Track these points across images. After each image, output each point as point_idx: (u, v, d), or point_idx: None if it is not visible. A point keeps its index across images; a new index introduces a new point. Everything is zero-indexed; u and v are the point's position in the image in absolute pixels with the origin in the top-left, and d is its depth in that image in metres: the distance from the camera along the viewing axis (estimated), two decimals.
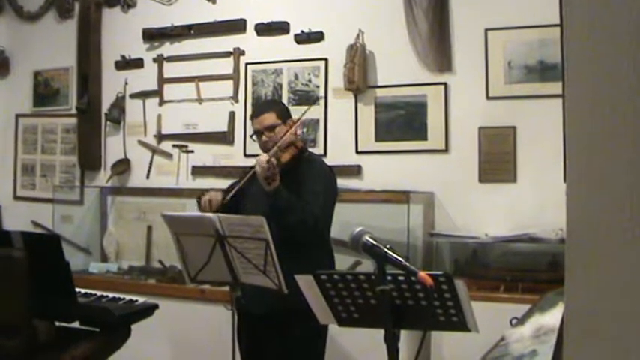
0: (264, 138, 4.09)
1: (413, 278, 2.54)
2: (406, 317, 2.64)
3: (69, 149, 6.78)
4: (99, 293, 3.93)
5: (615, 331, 1.24)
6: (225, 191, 4.06)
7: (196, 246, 3.71)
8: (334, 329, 3.85)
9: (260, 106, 4.43)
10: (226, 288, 4.06)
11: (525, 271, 4.77)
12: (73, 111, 6.67)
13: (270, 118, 4.10)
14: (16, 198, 7.11)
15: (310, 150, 4.37)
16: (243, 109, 5.97)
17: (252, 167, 3.89)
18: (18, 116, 7.12)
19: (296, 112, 4.40)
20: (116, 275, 5.98)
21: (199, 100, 6.15)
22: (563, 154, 3.84)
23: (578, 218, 1.29)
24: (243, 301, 3.85)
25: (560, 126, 3.70)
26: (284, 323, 3.87)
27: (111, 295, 3.92)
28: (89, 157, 6.57)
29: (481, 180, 5.15)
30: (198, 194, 4.16)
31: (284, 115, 4.18)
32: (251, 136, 4.24)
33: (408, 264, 2.53)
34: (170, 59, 6.31)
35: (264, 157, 3.80)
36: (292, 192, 3.84)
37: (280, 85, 5.81)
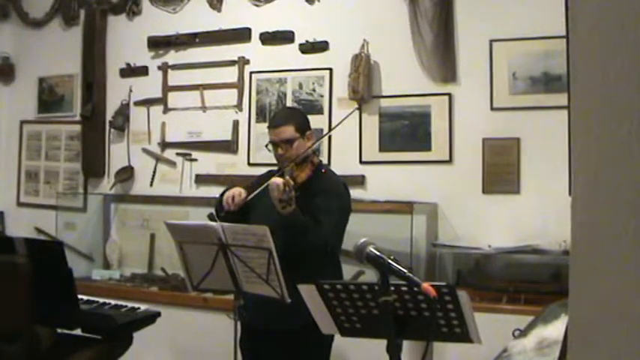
0: (279, 151, 3.96)
1: (416, 289, 2.54)
2: (409, 328, 2.64)
3: (73, 156, 6.79)
4: (101, 300, 3.94)
5: (619, 343, 1.24)
6: (248, 189, 3.95)
7: (199, 254, 3.70)
8: (336, 339, 3.84)
9: (279, 117, 4.18)
10: (229, 296, 4.05)
11: (528, 282, 4.76)
12: (78, 118, 6.68)
13: (288, 131, 3.95)
14: (20, 204, 7.12)
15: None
16: (247, 117, 5.97)
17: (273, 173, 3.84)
18: (22, 122, 7.13)
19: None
20: (119, 282, 5.98)
21: (203, 108, 6.16)
22: (567, 166, 3.84)
23: (582, 230, 1.29)
24: (244, 314, 3.84)
25: (564, 137, 3.71)
26: (288, 338, 3.85)
27: (113, 302, 3.92)
28: (93, 164, 6.57)
29: (485, 191, 5.14)
30: (225, 189, 4.08)
31: (303, 127, 4.02)
32: (266, 146, 4.10)
33: (411, 275, 2.52)
34: (175, 67, 6.31)
35: (279, 180, 3.60)
36: (305, 207, 3.73)
37: (284, 95, 5.82)
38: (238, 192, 3.89)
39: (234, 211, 3.85)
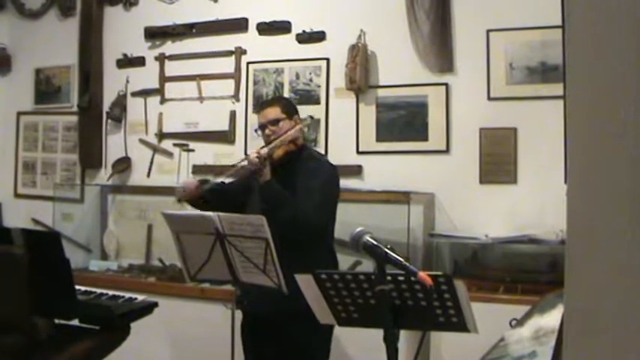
0: (267, 131, 4.06)
1: (413, 278, 2.54)
2: (405, 317, 2.64)
3: (70, 147, 6.78)
4: (99, 291, 3.94)
5: (614, 332, 1.24)
6: (203, 181, 4.19)
7: (196, 244, 3.71)
8: (334, 329, 3.85)
9: (265, 101, 4.44)
10: (226, 287, 4.07)
11: (525, 272, 4.76)
12: (75, 109, 6.67)
13: (274, 111, 4.08)
14: (17, 195, 7.11)
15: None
16: (244, 108, 5.97)
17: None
18: (19, 114, 7.12)
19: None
20: (116, 273, 5.98)
21: (200, 98, 6.15)
22: (564, 156, 3.85)
23: (578, 220, 1.29)
24: (245, 302, 3.85)
25: (561, 127, 3.71)
26: (287, 324, 3.86)
27: (111, 293, 3.92)
28: (90, 155, 6.57)
29: (482, 181, 5.15)
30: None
31: (289, 109, 4.15)
32: (255, 130, 4.21)
33: (407, 264, 2.53)
34: (172, 58, 6.31)
35: (254, 151, 3.86)
36: (288, 188, 3.83)
37: (282, 85, 5.81)
38: (189, 182, 4.24)
39: (187, 201, 4.13)
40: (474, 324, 2.65)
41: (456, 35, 5.27)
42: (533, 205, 4.91)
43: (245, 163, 3.87)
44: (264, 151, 3.85)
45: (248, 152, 3.95)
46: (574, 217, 1.29)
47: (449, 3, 5.27)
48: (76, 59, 6.65)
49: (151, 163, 6.32)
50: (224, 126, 6.04)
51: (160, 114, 6.33)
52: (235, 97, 6.02)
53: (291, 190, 3.84)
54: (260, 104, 4.41)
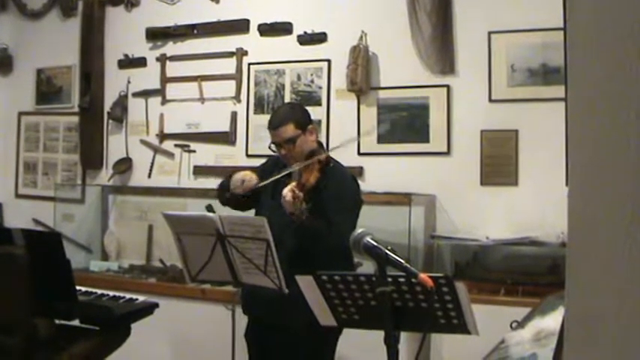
0: (283, 151, 3.90)
1: (413, 280, 2.54)
2: (406, 319, 2.64)
3: (71, 147, 6.79)
4: (99, 292, 3.94)
5: (616, 335, 1.24)
6: (259, 176, 3.90)
7: (197, 245, 3.70)
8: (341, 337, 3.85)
9: (278, 116, 4.01)
10: (227, 288, 4.06)
11: (526, 274, 4.76)
12: (76, 109, 6.68)
13: (289, 130, 3.87)
14: (18, 196, 7.12)
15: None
16: (245, 109, 5.97)
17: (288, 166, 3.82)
18: (20, 114, 7.12)
19: None
20: (117, 274, 5.99)
21: (202, 99, 6.15)
22: (565, 158, 3.83)
23: (579, 222, 1.29)
24: (255, 309, 3.84)
25: (562, 129, 3.70)
26: (293, 333, 3.82)
27: (111, 293, 3.92)
28: (91, 155, 6.57)
29: (483, 183, 5.15)
30: (229, 172, 4.09)
31: (302, 122, 3.94)
32: (269, 147, 4.02)
33: (408, 266, 2.53)
34: (173, 58, 6.30)
35: (289, 195, 3.51)
36: (318, 205, 3.65)
37: (283, 86, 5.81)
38: (249, 177, 3.86)
39: (240, 194, 3.85)
40: (475, 326, 2.65)
41: (458, 37, 5.27)
42: (534, 207, 4.91)
43: (285, 205, 3.53)
44: (298, 192, 3.51)
45: (283, 194, 3.55)
46: (575, 219, 1.29)
47: (450, 5, 5.27)
48: (78, 59, 6.66)
49: (152, 163, 6.32)
50: (225, 127, 6.03)
51: (161, 115, 6.33)
52: (236, 98, 6.01)
53: (322, 206, 3.70)
54: (271, 120, 4.02)
